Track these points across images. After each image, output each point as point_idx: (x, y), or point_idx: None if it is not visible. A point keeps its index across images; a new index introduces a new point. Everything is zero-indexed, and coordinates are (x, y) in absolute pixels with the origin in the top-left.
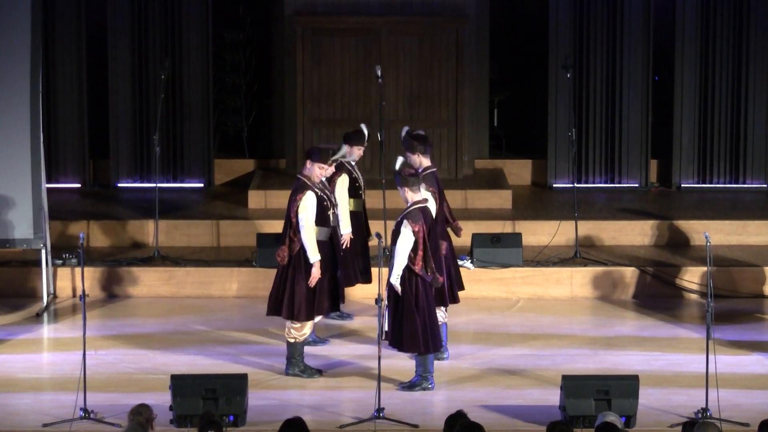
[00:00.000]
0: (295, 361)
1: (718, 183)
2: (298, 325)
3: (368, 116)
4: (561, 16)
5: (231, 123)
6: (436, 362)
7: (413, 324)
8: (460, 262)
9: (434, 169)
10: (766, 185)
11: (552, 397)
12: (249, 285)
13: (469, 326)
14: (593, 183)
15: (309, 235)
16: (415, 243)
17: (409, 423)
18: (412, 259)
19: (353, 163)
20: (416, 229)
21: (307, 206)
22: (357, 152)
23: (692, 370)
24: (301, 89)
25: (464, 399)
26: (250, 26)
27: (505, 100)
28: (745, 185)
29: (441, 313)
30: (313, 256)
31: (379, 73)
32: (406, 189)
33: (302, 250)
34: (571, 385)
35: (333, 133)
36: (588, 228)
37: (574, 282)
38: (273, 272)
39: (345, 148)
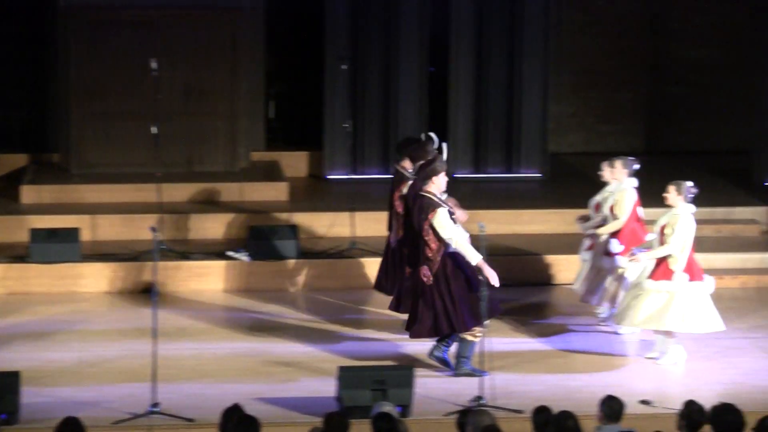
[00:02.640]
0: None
1: (492, 173)
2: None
3: (144, 110)
4: (337, 7)
5: (2, 116)
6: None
7: None
8: (236, 255)
9: None
10: (539, 175)
11: (328, 388)
12: (21, 282)
13: (245, 319)
14: (370, 174)
15: (459, 243)
16: None
17: (185, 417)
18: None
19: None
20: None
21: (444, 224)
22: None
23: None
24: (75, 83)
25: (241, 392)
26: (25, 18)
27: (281, 93)
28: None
29: None
30: (475, 257)
31: (154, 66)
32: None
33: (442, 267)
34: (347, 375)
35: (109, 126)
36: (365, 219)
37: (350, 274)
38: (48, 267)
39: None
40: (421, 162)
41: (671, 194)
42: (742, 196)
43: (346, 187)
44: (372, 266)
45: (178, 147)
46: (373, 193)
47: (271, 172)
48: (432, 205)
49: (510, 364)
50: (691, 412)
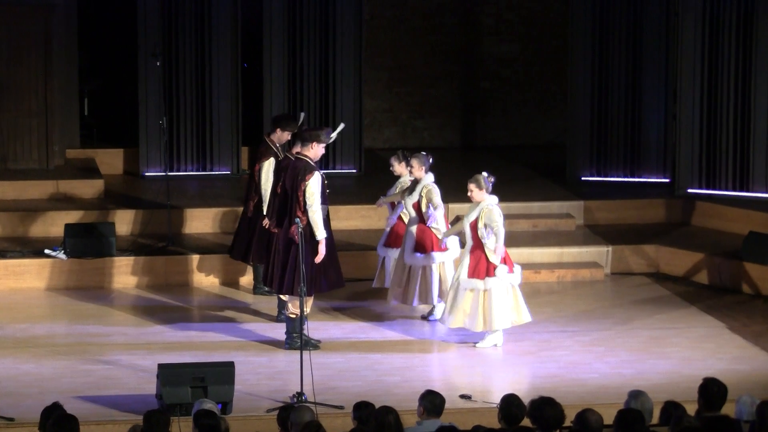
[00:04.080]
0: (295, 336)
1: None
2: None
3: None
4: (149, 2)
5: None
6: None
7: None
8: (53, 253)
9: None
10: (355, 170)
11: (149, 386)
12: None
13: (64, 317)
14: (185, 171)
15: (315, 215)
16: None
17: (5, 416)
18: None
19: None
20: None
21: (313, 190)
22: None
23: (289, 355)
24: None
25: (60, 390)
26: None
27: (95, 89)
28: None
29: None
30: (320, 234)
31: None
32: None
33: (308, 228)
34: (167, 373)
35: None
36: (181, 215)
37: (168, 270)
38: None
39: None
40: (304, 128)
41: (474, 191)
42: (557, 190)
43: (163, 184)
44: (188, 262)
45: None
46: (189, 189)
47: (86, 170)
48: (309, 168)
49: (330, 362)
50: (510, 406)
